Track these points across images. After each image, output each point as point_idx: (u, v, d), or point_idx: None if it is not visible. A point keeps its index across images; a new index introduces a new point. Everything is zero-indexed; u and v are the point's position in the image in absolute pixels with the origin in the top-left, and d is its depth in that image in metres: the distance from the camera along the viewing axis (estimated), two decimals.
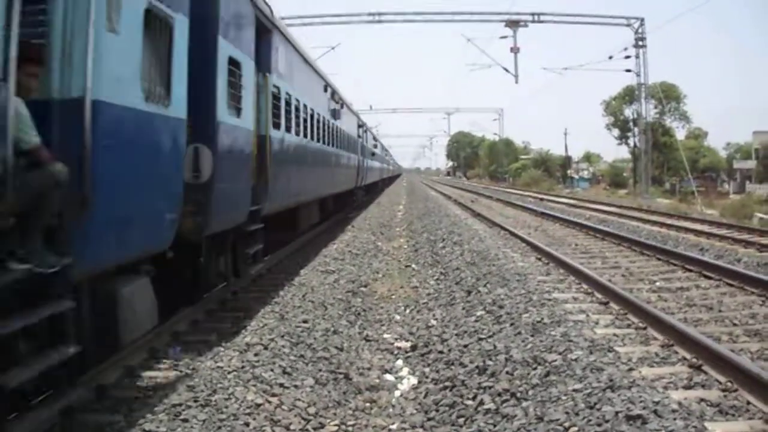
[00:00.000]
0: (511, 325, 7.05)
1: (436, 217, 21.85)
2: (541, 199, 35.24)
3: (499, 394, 5.26)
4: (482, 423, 4.88)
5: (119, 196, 4.68)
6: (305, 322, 7.51)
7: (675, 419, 4.10)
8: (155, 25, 5.14)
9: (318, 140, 14.72)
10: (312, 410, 5.20)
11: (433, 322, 8.31)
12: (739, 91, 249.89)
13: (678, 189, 53.41)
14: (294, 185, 11.76)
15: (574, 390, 4.86)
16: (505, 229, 16.80)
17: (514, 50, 35.42)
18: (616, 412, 4.30)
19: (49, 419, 4.48)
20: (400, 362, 7.05)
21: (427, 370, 6.60)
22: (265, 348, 6.29)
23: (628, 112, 61.46)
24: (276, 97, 10.09)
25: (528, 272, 10.04)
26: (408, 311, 9.34)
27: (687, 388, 5.09)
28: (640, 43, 37.53)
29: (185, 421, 4.51)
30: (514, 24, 34.88)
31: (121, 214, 4.76)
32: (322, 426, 5.06)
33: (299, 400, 5.30)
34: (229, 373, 5.48)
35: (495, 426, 4.78)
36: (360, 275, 11.52)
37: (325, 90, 16.30)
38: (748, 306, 7.87)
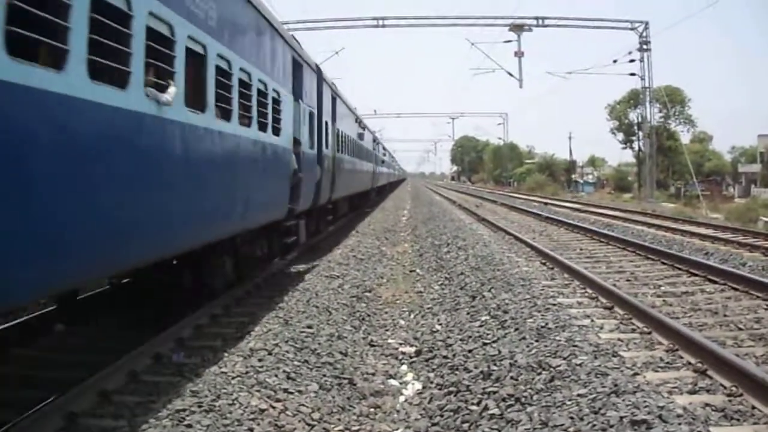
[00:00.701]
0: (516, 330, 7.03)
1: (440, 221, 21.86)
2: (546, 204, 35.19)
3: (504, 399, 5.25)
4: (487, 428, 4.88)
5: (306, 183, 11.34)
6: (309, 327, 7.52)
7: (680, 424, 4.09)
8: (310, 119, 12.28)
9: (352, 155, 21.26)
10: (316, 416, 5.20)
11: (438, 327, 8.31)
12: (744, 95, 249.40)
13: (683, 193, 53.29)
14: (345, 184, 18.67)
15: (579, 395, 4.86)
16: (510, 234, 16.78)
17: (519, 54, 35.43)
18: (621, 417, 4.28)
19: (53, 424, 4.51)
20: (404, 367, 7.06)
21: (431, 375, 6.59)
22: (270, 353, 6.30)
23: (633, 115, 61.56)
24: (336, 134, 16.48)
25: (533, 277, 10.02)
26: (412, 316, 9.34)
27: (692, 392, 5.07)
28: (645, 46, 37.48)
29: (189, 426, 4.52)
30: (518, 28, 34.88)
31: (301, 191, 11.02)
32: (327, 431, 5.06)
33: (303, 405, 5.31)
34: (233, 378, 5.48)
35: (500, 431, 4.77)
36: (364, 280, 11.53)
37: (356, 121, 23.76)
38: (753, 310, 7.83)
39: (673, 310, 7.94)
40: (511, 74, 37.22)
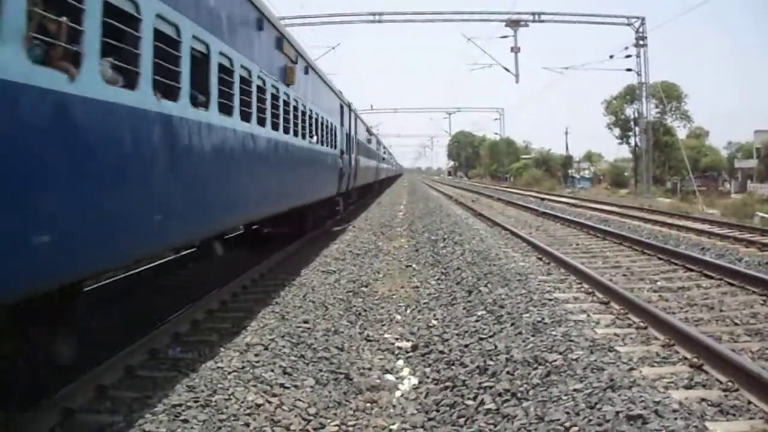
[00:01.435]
0: (512, 325, 7.04)
1: (437, 216, 21.86)
2: (542, 199, 35.21)
3: (500, 394, 5.25)
4: (483, 423, 4.88)
5: (344, 176, 19.65)
6: (306, 322, 7.51)
7: (676, 419, 4.10)
8: (347, 137, 21.13)
9: (366, 157, 29.03)
10: (312, 410, 5.20)
11: (434, 322, 8.31)
12: (741, 91, 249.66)
13: (679, 188, 53.45)
14: (361, 177, 25.99)
15: (575, 390, 4.86)
16: (506, 229, 16.80)
17: (515, 50, 35.47)
18: (617, 412, 4.29)
19: (50, 419, 4.50)
20: (400, 362, 7.05)
21: (427, 370, 6.59)
22: (266, 348, 6.29)
23: (629, 111, 61.61)
24: (357, 144, 24.04)
25: (529, 272, 10.03)
26: (409, 311, 9.33)
27: (688, 387, 5.08)
28: (641, 42, 37.57)
29: (185, 421, 4.51)
30: (514, 23, 34.90)
31: (342, 181, 19.34)
32: (323, 426, 5.06)
33: (300, 400, 5.30)
34: (229, 373, 5.48)
35: (496, 426, 4.78)
36: (361, 275, 11.53)
37: (366, 131, 31.75)
38: (749, 305, 7.86)
39: (669, 305, 7.96)
40: (507, 70, 37.31)
